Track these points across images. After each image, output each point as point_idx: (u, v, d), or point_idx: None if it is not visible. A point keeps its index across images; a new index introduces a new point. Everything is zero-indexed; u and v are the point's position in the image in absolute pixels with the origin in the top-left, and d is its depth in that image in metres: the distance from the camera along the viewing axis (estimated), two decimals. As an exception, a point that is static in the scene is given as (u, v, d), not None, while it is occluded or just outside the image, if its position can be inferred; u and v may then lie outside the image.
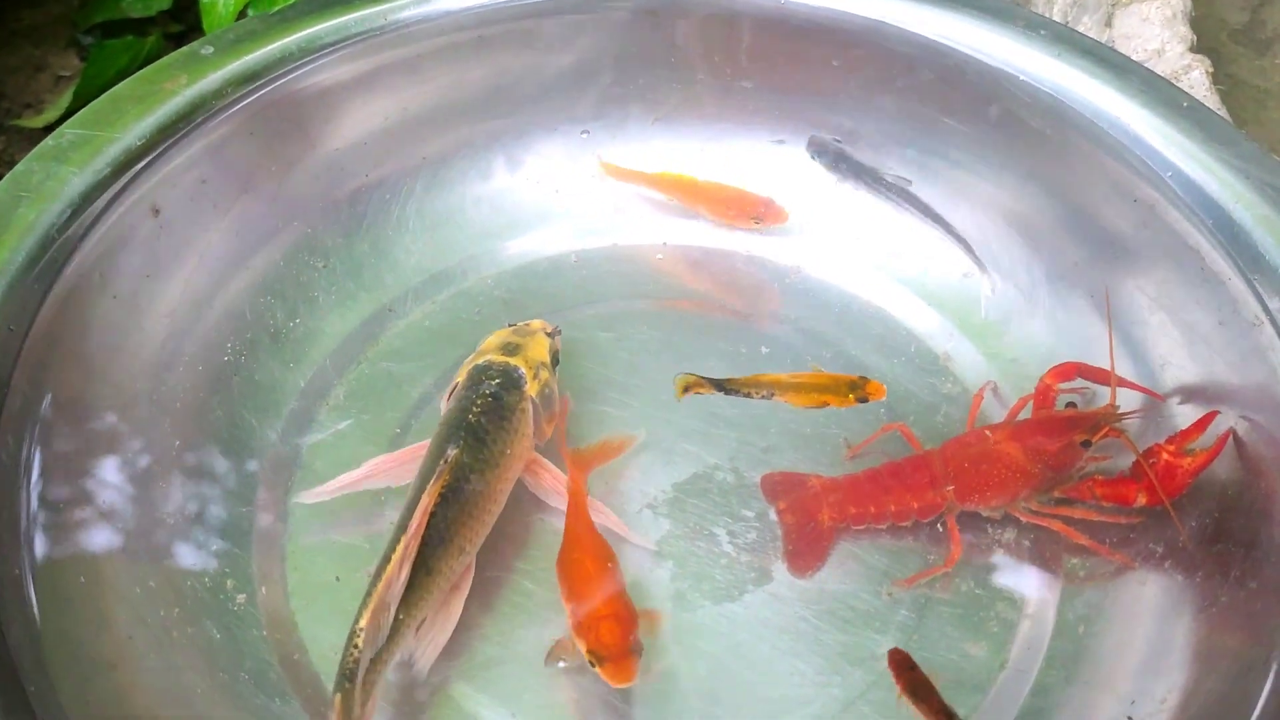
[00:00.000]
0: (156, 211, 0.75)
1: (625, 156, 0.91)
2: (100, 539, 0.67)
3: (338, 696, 0.59)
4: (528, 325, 0.77)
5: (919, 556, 0.72)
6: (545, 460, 0.73)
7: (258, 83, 0.79)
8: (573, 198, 0.90)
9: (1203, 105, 0.78)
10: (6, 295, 0.65)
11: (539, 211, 0.90)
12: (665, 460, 0.76)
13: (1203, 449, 0.68)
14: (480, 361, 0.73)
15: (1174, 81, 0.87)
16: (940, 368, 0.82)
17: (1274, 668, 0.59)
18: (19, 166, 0.71)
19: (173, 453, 0.73)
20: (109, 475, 0.69)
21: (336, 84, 0.83)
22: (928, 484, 0.71)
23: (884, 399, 0.72)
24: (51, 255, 0.68)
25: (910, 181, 0.87)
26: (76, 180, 0.71)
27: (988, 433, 0.72)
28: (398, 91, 0.85)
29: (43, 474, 0.65)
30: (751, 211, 0.88)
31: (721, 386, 0.72)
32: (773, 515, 0.73)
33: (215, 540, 0.71)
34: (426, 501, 0.63)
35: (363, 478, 0.72)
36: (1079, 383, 0.76)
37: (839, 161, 0.88)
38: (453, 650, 0.67)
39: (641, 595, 0.69)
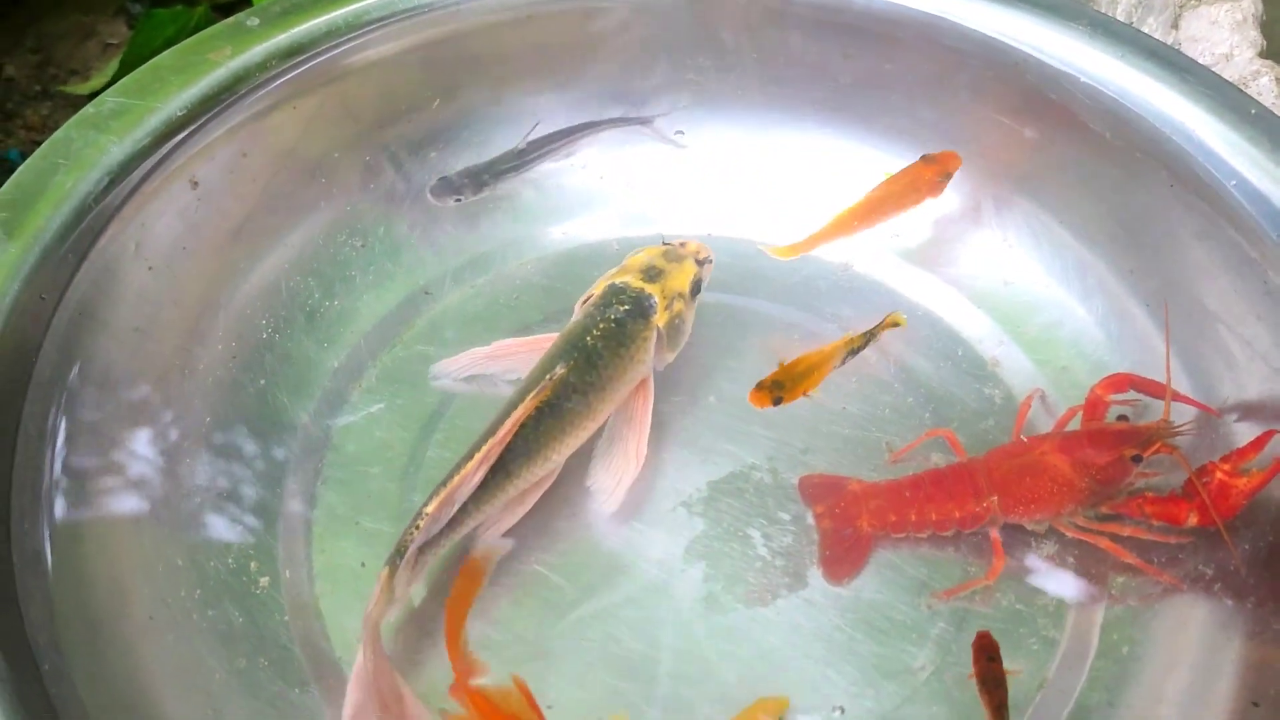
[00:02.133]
0: (195, 183, 0.74)
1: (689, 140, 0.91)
2: (124, 514, 0.66)
3: (385, 570, 0.61)
4: (682, 247, 0.76)
5: (959, 568, 0.70)
6: (650, 386, 0.73)
7: (302, 56, 0.78)
8: (618, 184, 0.89)
9: (1271, 113, 0.75)
10: (40, 263, 0.65)
11: (583, 197, 0.89)
12: (701, 458, 0.75)
13: (1259, 469, 0.66)
14: (618, 281, 0.73)
15: (1242, 87, 0.84)
16: (988, 373, 0.79)
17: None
18: (58, 133, 0.70)
19: (202, 430, 0.72)
20: (136, 449, 0.69)
21: (382, 60, 0.82)
22: (971, 494, 0.69)
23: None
24: (88, 224, 0.68)
25: (538, 122, 0.87)
26: (116, 149, 0.70)
27: (1035, 443, 0.71)
28: (444, 70, 0.84)
29: (68, 445, 0.65)
30: (933, 176, 0.82)
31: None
32: (810, 519, 0.72)
33: (241, 521, 0.70)
34: (519, 414, 0.65)
35: (488, 356, 0.76)
36: (1131, 395, 0.74)
37: (469, 179, 0.85)
38: (485, 645, 0.66)
39: (669, 596, 0.68)
